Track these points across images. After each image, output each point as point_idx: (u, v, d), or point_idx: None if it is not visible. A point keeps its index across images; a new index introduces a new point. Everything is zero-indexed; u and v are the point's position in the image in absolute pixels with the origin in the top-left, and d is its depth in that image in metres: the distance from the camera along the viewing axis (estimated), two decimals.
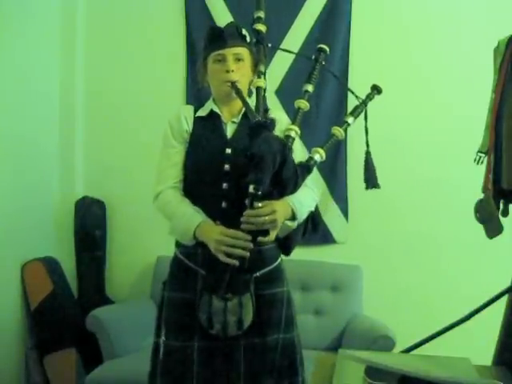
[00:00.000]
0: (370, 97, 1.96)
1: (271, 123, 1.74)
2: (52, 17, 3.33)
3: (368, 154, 1.97)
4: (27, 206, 3.08)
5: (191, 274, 1.79)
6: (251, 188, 1.63)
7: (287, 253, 1.89)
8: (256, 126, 1.71)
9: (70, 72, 3.43)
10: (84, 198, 3.39)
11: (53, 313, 3.06)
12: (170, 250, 1.94)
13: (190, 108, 1.93)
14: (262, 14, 1.98)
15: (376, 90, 1.97)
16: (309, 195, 1.83)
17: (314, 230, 1.92)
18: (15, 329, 3.02)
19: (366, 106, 1.94)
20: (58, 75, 3.38)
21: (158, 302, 1.92)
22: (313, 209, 1.86)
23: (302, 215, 1.79)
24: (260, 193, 1.63)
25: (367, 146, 1.96)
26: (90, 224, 3.35)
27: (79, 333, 3.04)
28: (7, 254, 2.93)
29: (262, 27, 1.96)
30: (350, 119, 1.90)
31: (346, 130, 1.89)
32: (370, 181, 1.95)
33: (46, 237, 3.29)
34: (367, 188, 1.97)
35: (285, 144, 1.70)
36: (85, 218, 3.34)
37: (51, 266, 3.16)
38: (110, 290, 3.42)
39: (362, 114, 1.94)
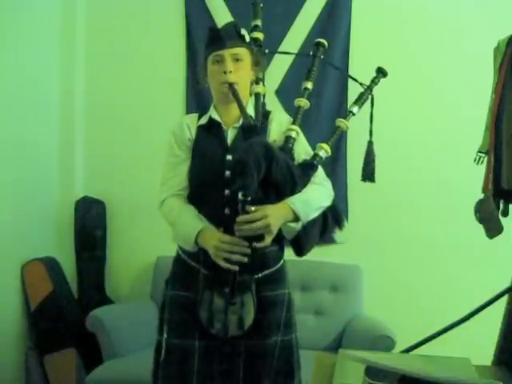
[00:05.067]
0: (375, 81, 1.92)
1: (261, 126, 1.74)
2: (52, 17, 3.33)
3: (370, 144, 1.95)
4: (27, 206, 3.08)
5: (193, 273, 1.79)
6: (240, 195, 1.63)
7: (300, 254, 1.87)
8: (244, 129, 1.71)
9: (69, 72, 3.43)
10: (84, 198, 3.39)
11: (53, 313, 3.07)
12: (170, 250, 1.94)
13: (194, 116, 1.93)
14: (259, 23, 2.01)
15: (381, 72, 1.93)
16: (318, 193, 1.81)
17: (339, 226, 1.90)
18: (15, 329, 3.02)
19: (371, 91, 1.91)
20: (57, 76, 3.37)
21: (159, 300, 1.92)
22: (326, 204, 1.83)
23: (308, 215, 1.76)
24: (249, 198, 1.62)
25: (370, 135, 1.93)
26: (90, 224, 3.35)
27: (79, 333, 3.04)
28: (7, 254, 2.93)
29: (259, 35, 1.99)
30: (355, 108, 1.88)
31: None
32: (367, 173, 1.94)
33: (45, 237, 3.29)
34: (363, 180, 1.95)
35: (269, 147, 1.68)
36: (85, 218, 3.35)
37: (51, 265, 3.16)
38: (110, 290, 3.42)
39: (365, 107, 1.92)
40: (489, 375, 1.22)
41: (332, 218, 1.87)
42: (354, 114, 1.89)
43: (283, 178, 1.70)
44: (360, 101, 1.90)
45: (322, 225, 1.85)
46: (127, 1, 3.49)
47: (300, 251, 1.87)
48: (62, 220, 3.39)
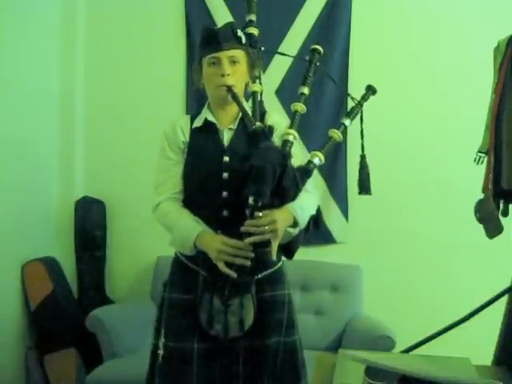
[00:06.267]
0: (365, 97, 1.95)
1: (269, 131, 1.74)
2: (52, 17, 3.33)
3: (363, 157, 1.97)
4: (27, 206, 3.08)
5: (192, 275, 1.78)
6: (251, 200, 1.63)
7: (290, 257, 1.88)
8: (253, 134, 1.71)
9: (70, 72, 3.43)
10: (84, 198, 3.39)
11: (53, 313, 3.07)
12: (170, 250, 1.94)
13: (186, 118, 1.91)
14: (253, 17, 1.98)
15: (371, 90, 1.97)
16: (310, 200, 1.82)
17: (316, 227, 1.90)
18: (15, 329, 3.02)
19: (361, 106, 1.93)
20: (57, 75, 3.37)
21: (158, 303, 1.92)
22: (314, 213, 1.84)
23: (304, 221, 1.77)
24: (260, 204, 1.62)
25: (362, 149, 1.95)
26: (90, 224, 3.35)
27: (79, 333, 3.04)
28: (7, 254, 2.93)
29: (254, 30, 1.96)
30: (347, 121, 1.90)
31: (343, 132, 1.89)
32: (364, 186, 1.96)
33: (45, 237, 3.29)
34: (360, 193, 1.97)
35: (284, 154, 1.69)
36: (85, 218, 3.34)
37: (51, 266, 3.16)
38: (110, 290, 3.43)
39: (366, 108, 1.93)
40: (489, 375, 1.22)
41: (312, 223, 1.87)
42: (346, 127, 1.90)
43: (290, 185, 1.70)
44: (351, 114, 1.92)
45: (305, 230, 1.85)
46: (127, 1, 3.49)
47: (290, 254, 1.87)
48: (61, 220, 3.39)
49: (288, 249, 1.84)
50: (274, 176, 1.62)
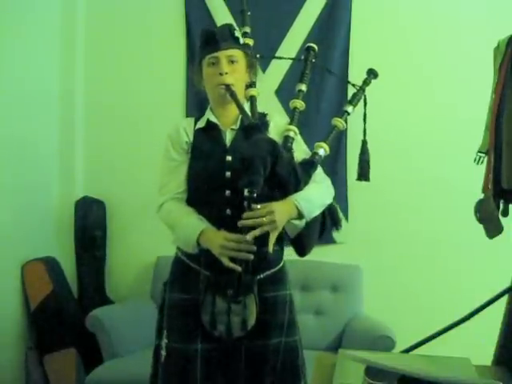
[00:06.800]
0: (366, 82, 1.98)
1: (262, 124, 1.75)
2: (52, 17, 3.33)
3: (364, 143, 1.97)
4: (27, 206, 3.08)
5: (193, 274, 1.78)
6: (246, 191, 1.63)
7: (302, 253, 1.87)
8: (246, 128, 1.72)
9: (69, 72, 3.43)
10: (84, 198, 3.39)
11: (53, 313, 3.07)
12: (170, 250, 1.94)
13: (190, 120, 1.93)
14: (248, 30, 2.07)
15: (372, 73, 1.99)
16: (319, 190, 1.81)
17: (336, 226, 1.90)
18: (15, 329, 3.02)
19: (363, 91, 1.95)
20: (57, 75, 3.37)
21: (158, 303, 1.92)
22: (328, 202, 1.84)
23: (312, 213, 1.76)
24: (255, 195, 1.62)
25: (364, 134, 1.96)
26: (90, 224, 3.35)
27: (79, 333, 3.04)
28: (7, 254, 2.93)
29: (249, 41, 2.02)
30: (349, 108, 1.92)
31: (346, 120, 1.90)
32: (363, 172, 1.96)
33: (45, 237, 3.29)
34: (358, 179, 1.98)
35: (275, 144, 1.69)
36: (85, 218, 3.34)
37: (51, 266, 3.16)
38: (110, 290, 3.42)
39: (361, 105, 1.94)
40: (489, 375, 1.22)
41: (330, 219, 1.87)
42: (348, 114, 1.92)
43: (288, 175, 1.70)
44: (354, 101, 1.94)
45: (321, 225, 1.85)
46: (127, 1, 3.49)
47: (302, 251, 1.87)
48: (62, 220, 3.39)
49: (299, 245, 1.84)
50: (264, 164, 1.62)
